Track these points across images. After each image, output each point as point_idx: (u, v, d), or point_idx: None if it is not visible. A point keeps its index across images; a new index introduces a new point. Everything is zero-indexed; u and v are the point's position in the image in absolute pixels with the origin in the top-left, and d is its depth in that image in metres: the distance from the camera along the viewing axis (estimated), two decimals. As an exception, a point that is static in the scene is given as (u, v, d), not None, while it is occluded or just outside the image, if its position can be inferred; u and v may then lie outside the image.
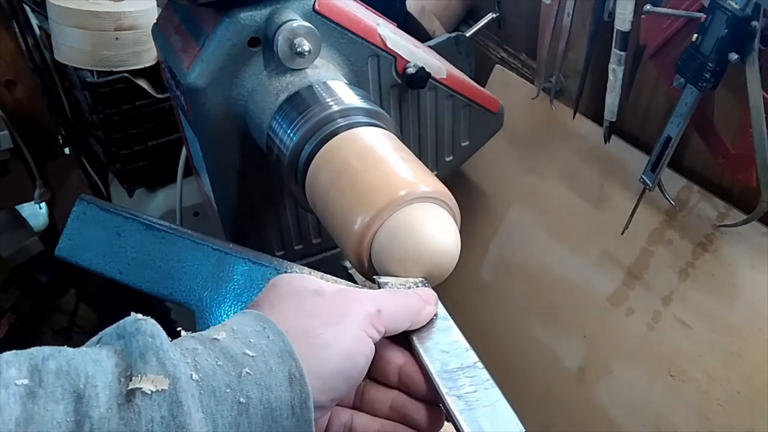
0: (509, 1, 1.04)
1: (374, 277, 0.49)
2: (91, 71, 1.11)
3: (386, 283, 0.47)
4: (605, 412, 0.83)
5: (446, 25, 1.12)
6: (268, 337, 0.36)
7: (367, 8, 0.74)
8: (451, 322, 0.45)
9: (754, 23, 0.59)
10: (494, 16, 1.06)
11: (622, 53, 0.75)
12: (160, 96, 1.14)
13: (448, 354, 0.43)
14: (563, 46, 0.86)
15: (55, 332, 1.73)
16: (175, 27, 0.75)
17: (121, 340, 0.33)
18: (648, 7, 0.69)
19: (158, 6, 1.08)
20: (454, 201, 0.52)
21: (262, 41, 0.67)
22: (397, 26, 0.77)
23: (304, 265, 0.53)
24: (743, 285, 0.72)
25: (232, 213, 0.78)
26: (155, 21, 0.82)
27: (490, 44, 1.10)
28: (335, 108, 0.61)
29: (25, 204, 1.71)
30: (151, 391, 0.31)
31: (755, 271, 0.71)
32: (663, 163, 0.72)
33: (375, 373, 0.44)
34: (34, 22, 1.38)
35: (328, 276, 0.50)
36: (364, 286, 0.50)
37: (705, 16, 0.63)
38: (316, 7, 0.68)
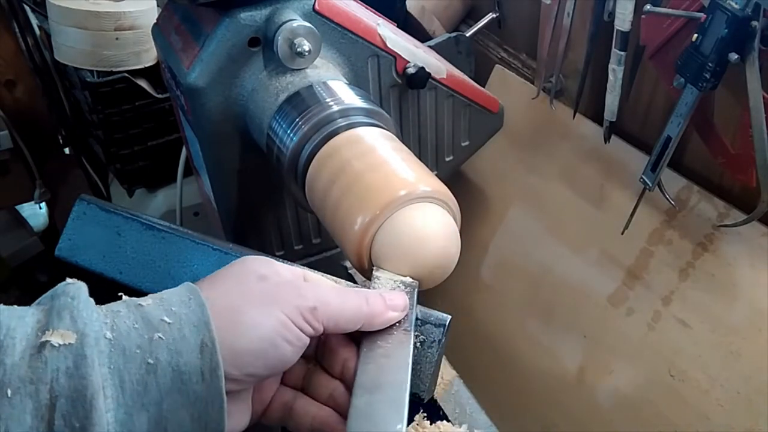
0: (509, 1, 1.04)
1: (372, 268, 0.50)
2: (91, 71, 1.11)
3: (378, 277, 0.48)
4: (605, 412, 0.83)
5: (446, 25, 1.12)
6: (190, 307, 0.38)
7: (367, 8, 0.74)
8: (410, 336, 0.44)
9: (754, 23, 0.59)
10: (494, 16, 1.06)
11: (622, 53, 0.75)
12: (160, 96, 1.14)
13: (382, 368, 0.41)
14: (563, 46, 0.86)
15: (55, 332, 1.72)
16: (175, 27, 0.75)
17: (51, 301, 0.37)
18: (648, 7, 0.69)
19: (158, 6, 1.08)
20: (455, 201, 0.52)
21: (262, 41, 0.67)
22: (397, 26, 0.77)
23: (304, 265, 0.53)
24: (743, 285, 0.72)
25: (232, 213, 0.78)
26: (155, 21, 0.82)
27: (490, 44, 1.10)
28: (335, 108, 0.61)
29: (25, 204, 1.71)
30: (59, 344, 0.34)
31: (755, 271, 0.71)
32: (663, 163, 0.72)
33: (323, 361, 0.46)
34: (34, 22, 1.38)
35: (329, 276, 0.50)
36: (364, 285, 0.50)
37: (705, 16, 0.63)
38: (316, 7, 0.68)
